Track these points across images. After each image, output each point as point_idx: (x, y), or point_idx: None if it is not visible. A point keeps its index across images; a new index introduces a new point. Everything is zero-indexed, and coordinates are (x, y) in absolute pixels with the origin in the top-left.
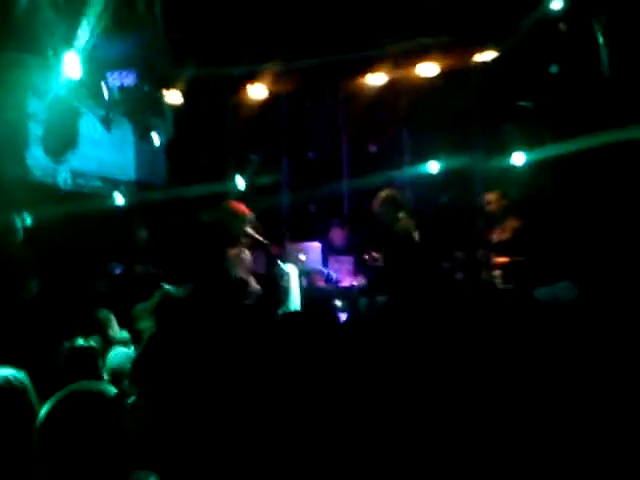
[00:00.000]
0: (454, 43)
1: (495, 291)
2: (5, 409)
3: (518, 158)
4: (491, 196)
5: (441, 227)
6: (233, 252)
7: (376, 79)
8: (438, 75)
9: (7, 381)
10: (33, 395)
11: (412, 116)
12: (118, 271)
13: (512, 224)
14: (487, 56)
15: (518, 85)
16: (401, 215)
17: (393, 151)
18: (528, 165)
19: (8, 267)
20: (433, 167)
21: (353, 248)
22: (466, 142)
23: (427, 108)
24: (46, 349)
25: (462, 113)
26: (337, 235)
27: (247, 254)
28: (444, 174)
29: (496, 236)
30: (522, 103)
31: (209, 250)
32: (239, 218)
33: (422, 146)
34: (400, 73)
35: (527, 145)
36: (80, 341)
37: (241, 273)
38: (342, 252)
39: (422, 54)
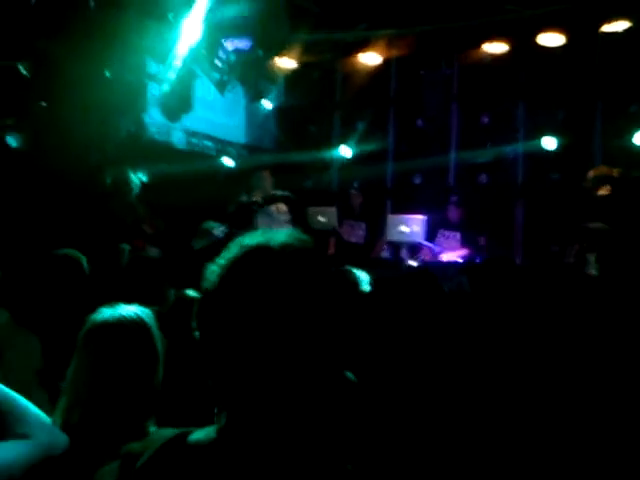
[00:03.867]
0: (581, 10)
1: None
2: (129, 346)
3: None
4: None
5: (551, 206)
6: None
7: (495, 48)
8: (561, 46)
9: (132, 318)
10: (157, 333)
11: (530, 89)
12: (218, 232)
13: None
14: (617, 26)
15: None
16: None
17: (506, 124)
18: None
19: (120, 216)
20: (548, 143)
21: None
22: (586, 119)
23: (547, 81)
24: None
25: (584, 88)
26: (454, 212)
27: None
28: (559, 151)
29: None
30: None
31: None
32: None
33: (538, 121)
34: (521, 43)
35: None
36: (189, 292)
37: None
38: (454, 228)
39: (546, 22)
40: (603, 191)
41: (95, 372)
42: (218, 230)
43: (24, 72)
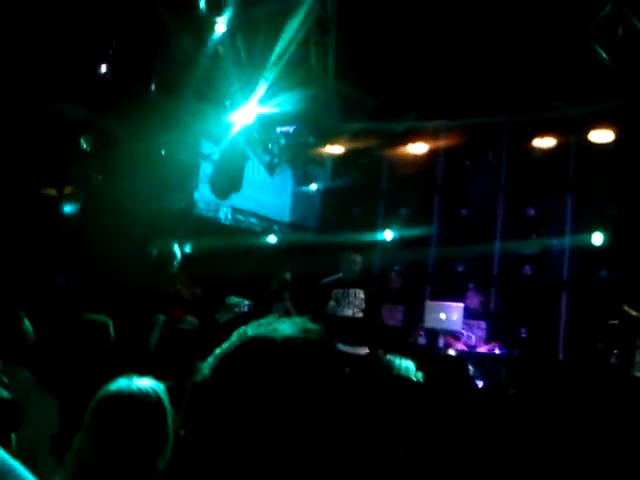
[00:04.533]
0: (629, 108)
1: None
2: (138, 421)
3: None
4: None
5: (598, 303)
6: None
7: (544, 142)
8: (612, 141)
9: (144, 393)
10: (168, 410)
11: (579, 182)
12: (244, 308)
13: None
14: None
15: None
16: None
17: (553, 218)
18: None
19: (161, 286)
20: (596, 239)
21: (489, 313)
22: (636, 216)
23: (597, 175)
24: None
25: (635, 184)
26: (472, 298)
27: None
28: (607, 247)
29: None
30: None
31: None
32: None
33: (586, 215)
34: (570, 138)
35: None
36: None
37: None
38: (477, 316)
39: (593, 119)
40: None
41: (100, 444)
42: (242, 305)
43: (85, 146)
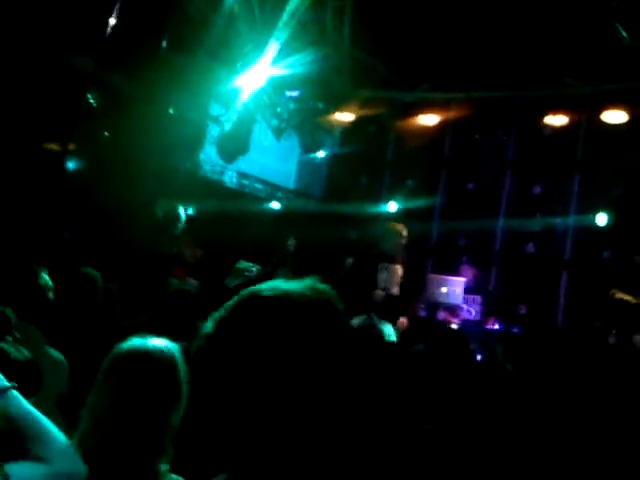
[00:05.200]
0: None
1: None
2: (153, 379)
3: None
4: None
5: (598, 284)
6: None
7: (555, 120)
8: (624, 123)
9: (160, 351)
10: (182, 369)
11: (587, 162)
12: (253, 273)
13: None
14: None
15: None
16: None
17: (559, 196)
18: None
19: (166, 247)
20: (600, 219)
21: (485, 288)
22: None
23: (606, 156)
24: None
25: None
26: (466, 272)
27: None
28: (611, 228)
29: None
30: None
31: (362, 264)
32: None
33: (592, 196)
34: (582, 117)
35: None
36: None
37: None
38: (470, 291)
39: (607, 100)
40: None
41: (116, 400)
42: (252, 270)
43: (92, 102)
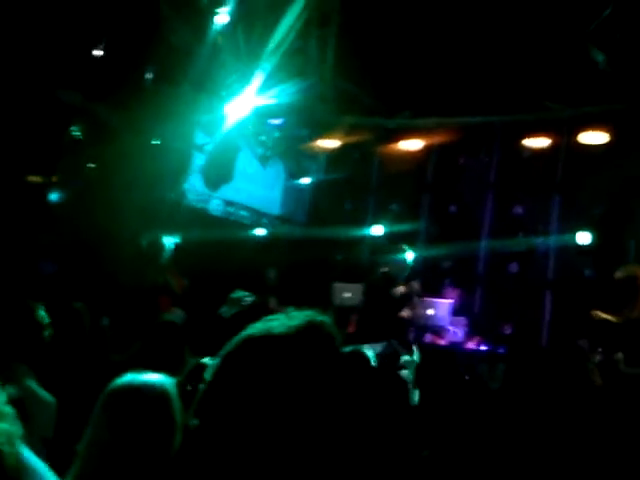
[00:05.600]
0: (623, 111)
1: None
2: (148, 414)
3: None
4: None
5: (581, 302)
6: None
7: (536, 142)
8: (601, 144)
9: (153, 387)
10: (176, 404)
11: (567, 183)
12: (247, 302)
13: None
14: None
15: None
16: None
17: (540, 217)
18: None
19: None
20: (582, 238)
21: (470, 310)
22: (623, 217)
23: (586, 176)
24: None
25: (623, 186)
26: (451, 295)
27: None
28: (593, 247)
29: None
30: None
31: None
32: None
33: (573, 215)
34: (561, 139)
35: None
36: (207, 360)
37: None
38: (455, 312)
39: (586, 122)
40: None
41: (111, 438)
42: (247, 300)
43: (77, 134)
